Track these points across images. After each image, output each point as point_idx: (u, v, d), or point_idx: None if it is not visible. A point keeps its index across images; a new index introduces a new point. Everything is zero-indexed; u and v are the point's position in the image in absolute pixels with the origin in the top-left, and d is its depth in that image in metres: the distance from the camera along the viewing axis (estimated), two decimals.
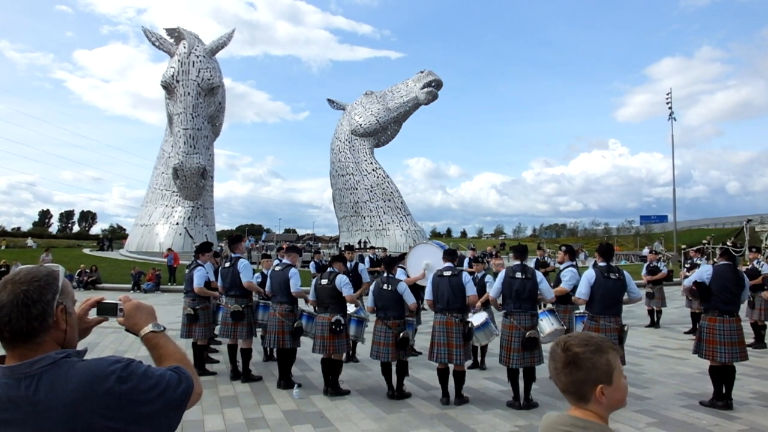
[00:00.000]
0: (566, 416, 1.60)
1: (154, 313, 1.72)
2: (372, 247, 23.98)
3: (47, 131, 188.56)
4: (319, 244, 45.82)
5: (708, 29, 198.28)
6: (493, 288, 6.88)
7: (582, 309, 6.91)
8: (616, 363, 1.59)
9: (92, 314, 1.69)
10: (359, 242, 36.27)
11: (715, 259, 7.17)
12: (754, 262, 11.23)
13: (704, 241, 22.06)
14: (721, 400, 6.45)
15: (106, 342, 10.52)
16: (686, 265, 15.15)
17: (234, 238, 9.05)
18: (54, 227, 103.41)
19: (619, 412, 6.32)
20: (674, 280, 18.74)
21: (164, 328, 1.69)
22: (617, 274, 6.53)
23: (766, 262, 12.40)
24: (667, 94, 48.94)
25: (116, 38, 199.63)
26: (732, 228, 52.84)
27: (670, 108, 48.61)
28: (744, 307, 8.14)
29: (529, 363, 6.48)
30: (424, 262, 8.99)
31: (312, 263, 13.68)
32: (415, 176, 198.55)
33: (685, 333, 11.70)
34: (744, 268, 9.85)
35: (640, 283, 10.74)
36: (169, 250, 25.59)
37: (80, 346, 1.54)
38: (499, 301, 6.81)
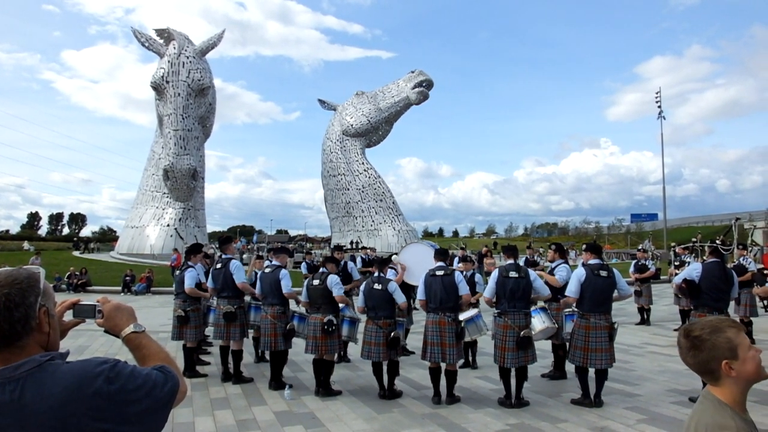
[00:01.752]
0: (706, 389, 1.77)
1: (134, 313, 1.71)
2: (364, 248, 23.98)
3: (35, 133, 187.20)
4: (310, 245, 45.74)
5: (698, 27, 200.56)
6: (488, 288, 6.89)
7: (573, 307, 6.95)
8: (738, 338, 1.70)
9: (68, 316, 1.68)
10: (351, 242, 36.25)
11: (704, 257, 7.24)
12: (741, 259, 11.35)
13: (693, 240, 22.25)
14: None
15: (96, 345, 10.44)
16: (675, 263, 15.27)
17: (224, 239, 9.02)
18: (43, 230, 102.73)
19: (609, 409, 6.39)
20: (662, 278, 18.88)
21: (145, 329, 1.69)
22: (607, 272, 6.57)
23: (753, 259, 12.52)
24: (656, 93, 49.39)
25: (104, 38, 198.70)
26: (721, 225, 53.32)
27: (659, 107, 49.04)
28: (731, 303, 8.20)
29: (523, 362, 6.50)
30: (401, 264, 8.91)
31: (303, 264, 13.66)
32: (407, 176, 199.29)
33: (675, 330, 11.78)
34: (731, 265, 9.94)
35: (629, 281, 10.82)
36: (175, 250, 25.50)
37: (61, 349, 1.53)
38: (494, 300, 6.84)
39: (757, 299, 10.56)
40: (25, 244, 51.61)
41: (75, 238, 60.65)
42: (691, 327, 1.78)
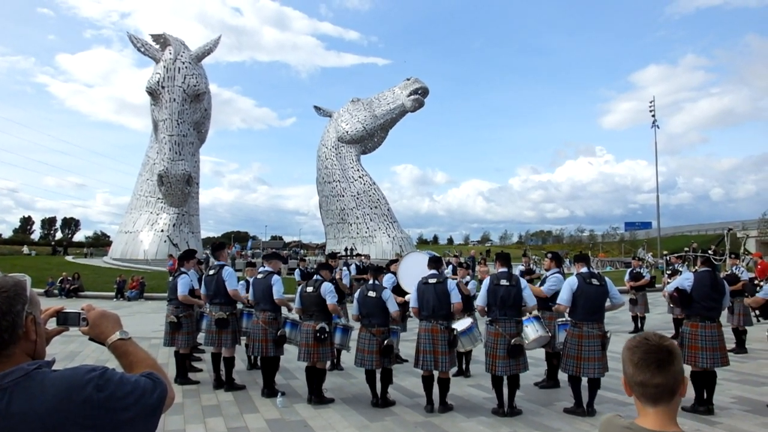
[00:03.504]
0: (639, 427, 1.54)
1: (120, 321, 1.71)
2: (358, 254, 23.96)
3: (29, 137, 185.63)
4: (304, 251, 45.68)
5: (693, 36, 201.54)
6: (479, 296, 6.90)
7: (566, 317, 6.96)
8: None
9: (52, 324, 1.66)
10: (345, 249, 36.24)
11: (696, 266, 7.27)
12: (733, 268, 11.40)
13: (686, 249, 22.41)
14: (703, 405, 6.52)
15: (88, 351, 10.38)
16: (668, 272, 15.32)
17: (217, 245, 8.99)
18: (36, 234, 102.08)
19: (601, 417, 6.38)
20: (656, 286, 18.95)
21: (131, 336, 1.68)
22: (598, 281, 6.59)
23: (745, 268, 12.57)
24: (650, 102, 49.62)
25: (100, 42, 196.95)
26: (715, 234, 53.60)
27: (653, 116, 49.31)
28: (724, 312, 8.24)
29: (515, 370, 6.50)
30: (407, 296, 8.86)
31: (297, 270, 13.62)
32: (402, 183, 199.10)
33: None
34: (723, 274, 9.99)
35: (623, 289, 10.83)
36: (170, 256, 25.44)
37: (51, 356, 1.52)
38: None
39: (750, 309, 10.59)
40: (25, 249, 51.89)
41: (53, 243, 59.71)
42: (655, 335, 1.58)
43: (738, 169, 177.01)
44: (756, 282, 11.81)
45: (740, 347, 10.43)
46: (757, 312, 10.74)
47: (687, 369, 6.82)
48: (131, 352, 1.65)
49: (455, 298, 6.72)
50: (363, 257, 20.47)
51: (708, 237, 53.30)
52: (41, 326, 1.50)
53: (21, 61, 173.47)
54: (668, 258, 16.91)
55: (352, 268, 16.36)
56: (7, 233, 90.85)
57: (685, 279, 6.94)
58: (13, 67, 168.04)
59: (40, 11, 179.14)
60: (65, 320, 1.65)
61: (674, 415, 1.57)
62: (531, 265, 14.94)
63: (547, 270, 8.47)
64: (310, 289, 7.17)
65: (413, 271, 8.99)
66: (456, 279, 8.53)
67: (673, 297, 7.09)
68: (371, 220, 40.83)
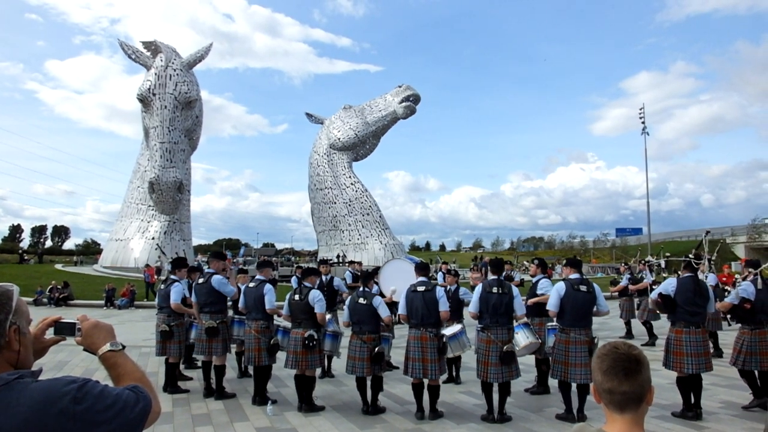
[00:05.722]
0: None
1: (113, 331, 1.71)
2: (351, 262, 23.91)
3: (18, 144, 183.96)
4: (297, 259, 45.54)
5: (683, 43, 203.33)
6: (472, 303, 6.92)
7: (555, 322, 7.00)
8: None
9: (50, 333, 1.68)
10: (337, 256, 36.19)
11: (679, 272, 7.31)
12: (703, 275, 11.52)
13: (667, 254, 22.72)
14: (691, 410, 6.57)
15: (77, 360, 10.30)
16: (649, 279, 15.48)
17: (215, 254, 8.98)
18: (25, 242, 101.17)
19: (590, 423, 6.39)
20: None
21: (123, 347, 1.69)
22: (587, 287, 6.64)
23: (711, 272, 12.70)
24: (640, 110, 50.13)
25: (89, 48, 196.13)
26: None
27: (643, 123, 49.76)
28: None
29: (507, 377, 6.52)
30: (391, 289, 8.97)
31: (294, 278, 13.59)
32: (394, 190, 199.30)
33: (642, 345, 11.70)
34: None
35: (607, 296, 10.85)
36: (147, 266, 25.31)
37: (36, 365, 1.53)
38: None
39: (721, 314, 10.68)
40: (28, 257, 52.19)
41: (20, 251, 58.62)
42: (624, 344, 1.63)
43: (728, 175, 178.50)
44: (725, 288, 11.94)
45: (714, 350, 10.53)
46: (729, 316, 10.82)
47: (673, 375, 6.88)
48: (120, 363, 1.65)
49: (443, 306, 6.74)
50: (356, 264, 20.42)
51: (697, 243, 53.60)
52: (26, 336, 1.50)
53: (9, 67, 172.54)
54: (650, 264, 17.18)
55: (347, 276, 16.32)
56: None
57: (669, 284, 7.00)
58: (1, 73, 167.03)
59: (28, 17, 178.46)
60: (61, 330, 1.68)
61: (641, 422, 1.61)
62: (512, 272, 14.91)
63: (532, 276, 8.54)
64: (297, 297, 7.14)
65: (398, 277, 9.00)
66: (446, 286, 8.56)
67: (657, 303, 7.14)
68: (363, 226, 40.79)
